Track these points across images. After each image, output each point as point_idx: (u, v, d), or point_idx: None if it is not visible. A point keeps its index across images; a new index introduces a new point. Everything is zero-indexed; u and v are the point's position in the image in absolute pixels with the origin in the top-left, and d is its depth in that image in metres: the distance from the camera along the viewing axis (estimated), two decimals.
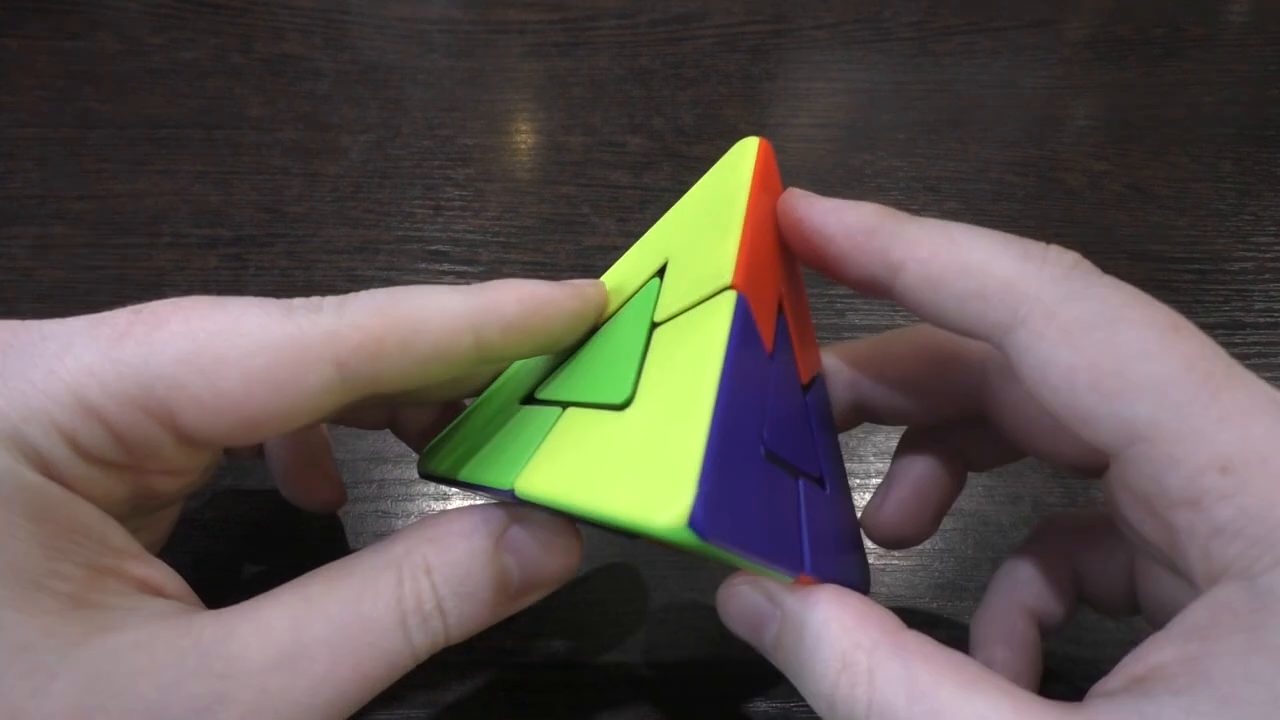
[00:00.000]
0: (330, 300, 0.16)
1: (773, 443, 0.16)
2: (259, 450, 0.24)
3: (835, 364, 0.20)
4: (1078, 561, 0.20)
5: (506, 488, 0.16)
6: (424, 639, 0.16)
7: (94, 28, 0.44)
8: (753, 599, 0.17)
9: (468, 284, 0.17)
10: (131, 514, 0.17)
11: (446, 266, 0.34)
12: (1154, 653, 0.14)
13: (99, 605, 0.14)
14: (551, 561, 0.17)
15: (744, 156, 0.18)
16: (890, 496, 0.21)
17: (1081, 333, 0.14)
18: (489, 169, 0.39)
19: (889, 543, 0.21)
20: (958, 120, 0.43)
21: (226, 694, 0.14)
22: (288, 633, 0.15)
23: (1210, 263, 0.36)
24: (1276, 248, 0.37)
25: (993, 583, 0.21)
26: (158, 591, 0.15)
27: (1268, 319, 0.34)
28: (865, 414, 0.21)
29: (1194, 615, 0.14)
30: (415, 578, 0.16)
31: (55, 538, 0.14)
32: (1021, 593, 0.20)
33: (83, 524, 0.15)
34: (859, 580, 0.19)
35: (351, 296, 0.16)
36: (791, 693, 0.23)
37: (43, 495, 0.14)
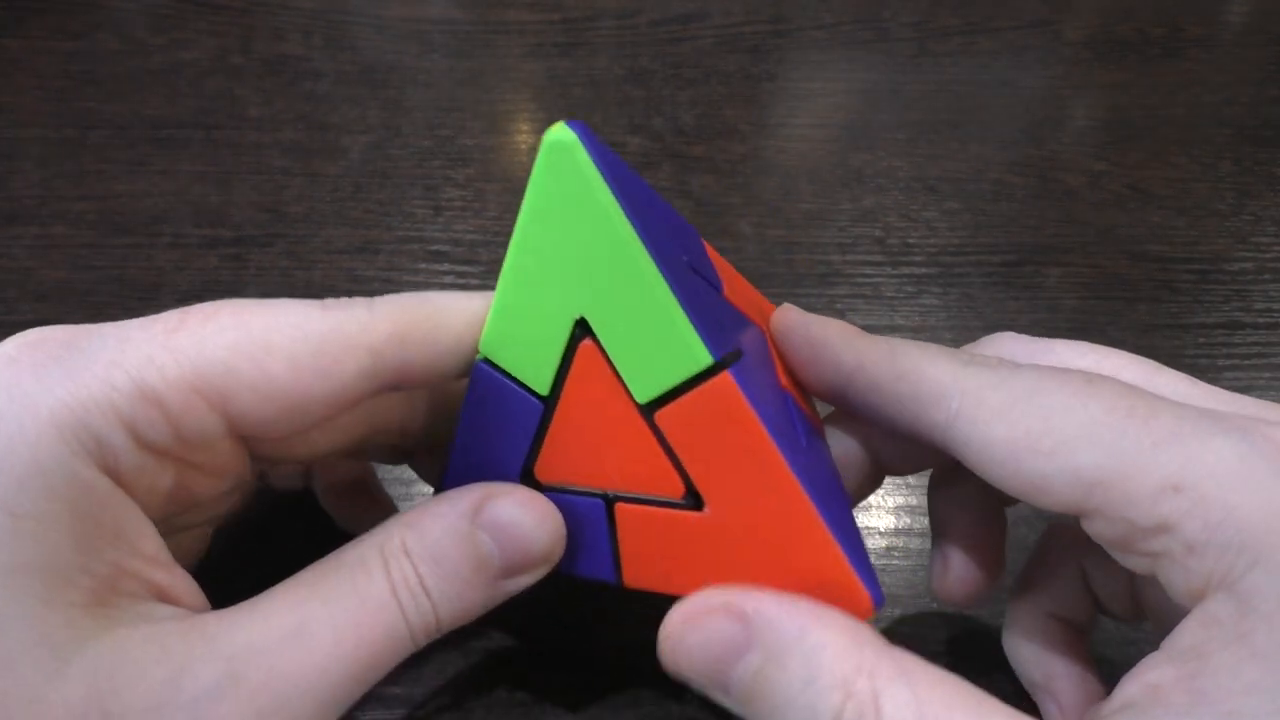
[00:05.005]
0: (361, 299, 0.18)
1: (697, 264, 0.18)
2: (299, 478, 0.24)
3: (838, 430, 0.20)
4: (1086, 566, 0.20)
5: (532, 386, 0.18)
6: (417, 618, 0.16)
7: (94, 28, 0.44)
8: (721, 630, 0.15)
9: (469, 285, 0.17)
10: (166, 525, 0.18)
11: (446, 266, 0.34)
12: (1151, 672, 0.14)
13: (115, 605, 0.15)
14: (530, 537, 0.17)
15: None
16: (951, 559, 0.20)
17: (1010, 408, 0.16)
18: (489, 169, 0.39)
19: (967, 602, 0.20)
20: (958, 120, 0.43)
21: (236, 674, 0.14)
22: (289, 614, 0.15)
23: (1210, 263, 0.36)
24: (1276, 248, 0.37)
25: (1012, 596, 0.21)
26: (174, 602, 0.16)
27: (1267, 319, 0.34)
28: (883, 469, 0.21)
29: (1186, 632, 0.14)
30: (397, 558, 0.16)
31: (91, 535, 0.15)
32: (1044, 601, 0.21)
33: (119, 525, 0.15)
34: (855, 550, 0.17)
35: (380, 297, 0.18)
36: None
37: (90, 491, 0.15)
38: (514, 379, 0.18)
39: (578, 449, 0.18)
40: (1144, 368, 0.18)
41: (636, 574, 0.18)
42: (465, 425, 0.19)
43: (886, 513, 0.27)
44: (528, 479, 0.18)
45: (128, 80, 0.41)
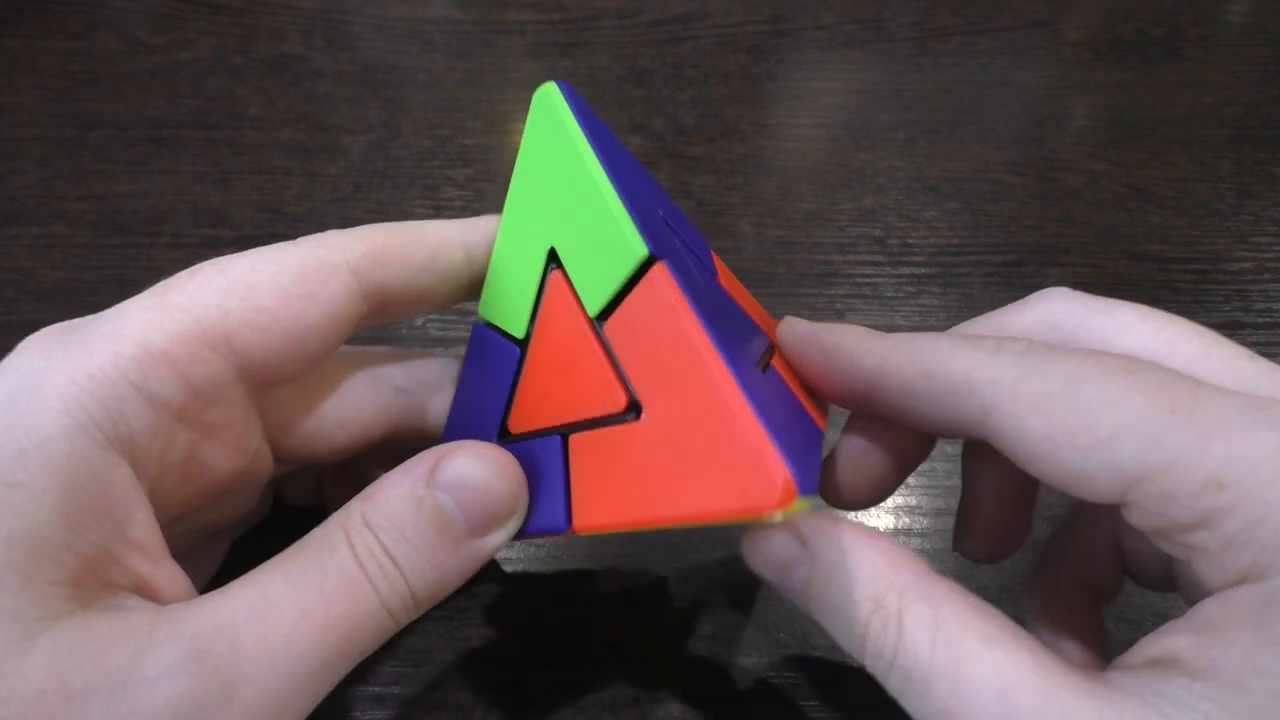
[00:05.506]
0: (333, 230, 0.19)
1: (671, 217, 0.20)
2: (312, 493, 0.24)
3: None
4: (1120, 535, 0.20)
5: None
6: (388, 589, 0.16)
7: (94, 28, 0.44)
8: (782, 544, 0.17)
9: None
10: (188, 523, 0.18)
11: None
12: (1170, 637, 0.15)
13: (91, 590, 0.15)
14: (488, 490, 0.17)
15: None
16: (974, 519, 0.20)
17: (1046, 401, 0.15)
18: (489, 169, 0.39)
19: (989, 560, 0.21)
20: (958, 120, 0.43)
21: (201, 650, 0.14)
22: (253, 592, 0.15)
23: (1209, 263, 0.36)
24: (1275, 248, 0.37)
25: (1041, 558, 0.22)
26: (154, 595, 0.16)
27: (1267, 319, 0.34)
28: (931, 435, 0.20)
29: (1209, 608, 0.14)
30: (359, 531, 0.16)
31: (81, 513, 0.15)
32: (1070, 564, 0.21)
33: (112, 504, 0.15)
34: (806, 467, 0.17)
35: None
36: (790, 666, 0.23)
37: (89, 467, 0.15)
38: (499, 330, 0.19)
39: (543, 389, 0.18)
40: (1201, 340, 0.17)
41: (584, 512, 0.18)
42: (460, 389, 0.20)
43: (886, 513, 0.27)
44: (504, 434, 0.19)
45: (128, 80, 0.41)
